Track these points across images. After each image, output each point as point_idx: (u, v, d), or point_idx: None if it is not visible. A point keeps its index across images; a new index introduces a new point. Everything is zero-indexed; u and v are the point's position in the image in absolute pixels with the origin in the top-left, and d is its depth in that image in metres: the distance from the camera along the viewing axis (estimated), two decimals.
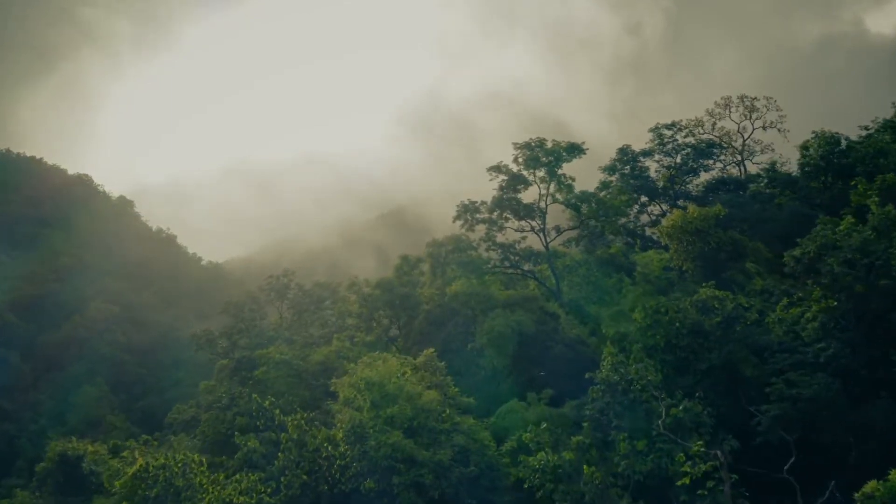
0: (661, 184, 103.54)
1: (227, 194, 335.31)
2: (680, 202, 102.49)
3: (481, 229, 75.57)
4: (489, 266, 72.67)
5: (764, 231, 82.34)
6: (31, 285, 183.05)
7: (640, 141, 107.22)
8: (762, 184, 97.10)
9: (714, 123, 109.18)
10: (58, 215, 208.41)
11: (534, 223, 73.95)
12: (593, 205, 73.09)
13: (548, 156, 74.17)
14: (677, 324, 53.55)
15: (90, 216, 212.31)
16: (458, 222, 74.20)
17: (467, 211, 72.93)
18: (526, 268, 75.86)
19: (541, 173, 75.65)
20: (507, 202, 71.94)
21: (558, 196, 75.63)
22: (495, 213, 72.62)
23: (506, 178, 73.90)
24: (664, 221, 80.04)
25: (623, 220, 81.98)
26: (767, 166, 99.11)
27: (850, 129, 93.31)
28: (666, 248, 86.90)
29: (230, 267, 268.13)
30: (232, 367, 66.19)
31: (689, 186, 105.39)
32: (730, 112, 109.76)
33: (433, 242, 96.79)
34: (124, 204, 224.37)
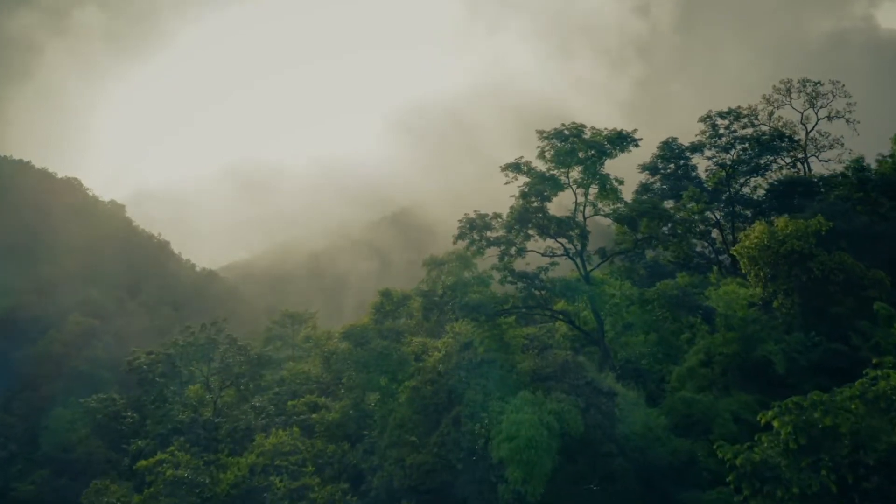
0: (710, 185, 77.29)
1: (228, 197, 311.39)
2: (738, 209, 76.48)
3: (493, 251, 49.77)
4: (506, 306, 46.76)
5: (874, 252, 56.16)
6: (6, 298, 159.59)
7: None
8: (847, 186, 70.67)
9: (772, 112, 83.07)
10: (43, 222, 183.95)
11: (569, 245, 47.95)
12: (656, 220, 46.88)
13: (587, 149, 48.20)
14: (846, 441, 27.85)
15: (77, 222, 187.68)
16: (462, 242, 48.43)
17: (474, 228, 46.95)
18: (557, 304, 49.99)
19: (575, 173, 49.84)
20: (532, 214, 45.96)
21: (602, 206, 49.75)
22: (514, 231, 46.65)
23: (529, 180, 47.96)
24: (743, 239, 53.81)
25: (699, 243, 54.92)
26: (852, 164, 72.62)
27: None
28: (738, 272, 60.91)
29: (228, 273, 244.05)
30: (129, 463, 41.34)
31: (746, 189, 79.23)
32: (790, 98, 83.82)
33: (430, 261, 71.28)
34: (115, 209, 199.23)
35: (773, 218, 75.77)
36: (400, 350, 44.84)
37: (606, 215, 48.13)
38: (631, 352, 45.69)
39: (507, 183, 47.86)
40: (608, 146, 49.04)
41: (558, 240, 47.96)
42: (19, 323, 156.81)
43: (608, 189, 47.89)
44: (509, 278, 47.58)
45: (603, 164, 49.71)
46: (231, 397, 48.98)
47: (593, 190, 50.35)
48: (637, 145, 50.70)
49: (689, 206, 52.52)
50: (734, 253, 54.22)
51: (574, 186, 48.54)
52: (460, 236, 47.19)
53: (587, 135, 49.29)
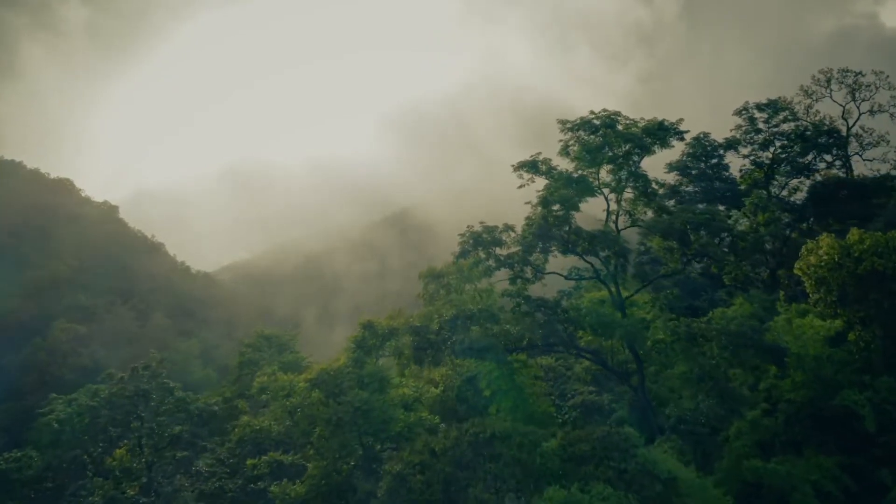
0: (745, 187, 65.71)
1: (228, 197, 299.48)
2: (777, 214, 64.56)
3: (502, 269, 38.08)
4: (521, 344, 35.20)
5: None
6: None
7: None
8: None
9: (810, 105, 71.35)
10: (32, 223, 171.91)
11: (601, 266, 36.27)
12: (714, 233, 35.05)
13: (622, 143, 36.56)
14: None
15: (68, 224, 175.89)
16: (466, 260, 36.83)
17: (480, 244, 35.31)
18: (581, 338, 38.27)
19: (605, 174, 38.21)
20: (556, 227, 34.28)
21: (639, 212, 38.09)
22: (531, 249, 34.94)
23: (548, 181, 36.26)
24: (805, 255, 42.06)
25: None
26: None
27: None
28: (776, 291, 48.99)
29: (228, 273, 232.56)
30: None
31: (784, 192, 67.57)
32: (830, 90, 72.10)
33: (428, 274, 60.10)
34: (108, 210, 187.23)
35: (812, 224, 64.46)
36: (384, 403, 33.27)
37: (647, 227, 36.34)
38: (682, 407, 33.95)
39: (521, 186, 36.17)
40: (647, 140, 37.41)
41: (586, 258, 36.26)
42: (5, 329, 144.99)
43: (649, 193, 36.17)
44: (524, 307, 35.85)
45: (640, 161, 38.13)
46: (173, 457, 37.25)
47: (627, 194, 38.73)
48: (682, 138, 39.07)
49: (752, 216, 40.43)
50: (798, 272, 42.49)
51: (606, 191, 36.83)
52: (462, 254, 35.54)
53: (620, 126, 37.63)
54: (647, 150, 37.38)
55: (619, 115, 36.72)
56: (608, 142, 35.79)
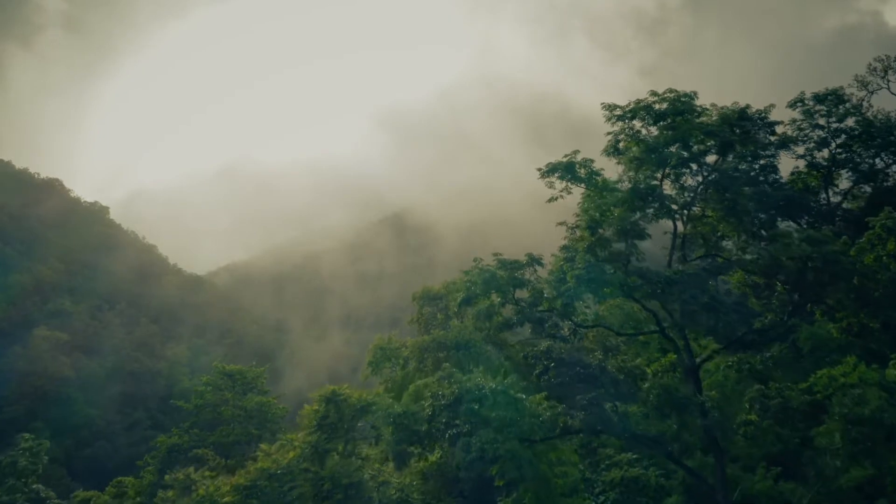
0: (798, 188, 53.29)
1: (227, 197, 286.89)
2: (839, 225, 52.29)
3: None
4: (555, 431, 23.02)
5: None
6: None
7: None
8: None
9: (864, 98, 58.88)
10: (18, 225, 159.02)
11: (663, 314, 23.95)
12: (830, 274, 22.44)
13: (701, 138, 24.26)
14: None
15: (56, 226, 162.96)
16: (471, 313, 24.60)
17: (492, 287, 22.94)
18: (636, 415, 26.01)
19: (664, 181, 25.86)
20: (609, 262, 21.92)
21: (712, 236, 25.75)
22: (569, 298, 22.60)
23: (591, 192, 23.87)
24: None
25: None
26: None
27: None
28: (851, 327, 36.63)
29: (226, 273, 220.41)
30: None
31: (839, 198, 55.17)
32: (888, 81, 59.66)
33: (423, 295, 49.18)
34: (99, 211, 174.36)
35: None
36: None
37: (740, 263, 23.85)
38: None
39: (552, 199, 23.61)
40: (727, 133, 25.05)
41: (646, 305, 23.80)
42: None
43: (738, 211, 23.74)
44: (554, 375, 23.34)
45: (720, 164, 25.74)
46: None
47: (695, 211, 26.31)
48: (773, 131, 26.77)
49: (881, 245, 28.16)
50: None
51: (675, 207, 24.36)
52: (467, 301, 23.15)
53: (690, 117, 25.10)
54: (730, 149, 24.96)
55: (695, 98, 24.23)
56: (681, 136, 23.31)
